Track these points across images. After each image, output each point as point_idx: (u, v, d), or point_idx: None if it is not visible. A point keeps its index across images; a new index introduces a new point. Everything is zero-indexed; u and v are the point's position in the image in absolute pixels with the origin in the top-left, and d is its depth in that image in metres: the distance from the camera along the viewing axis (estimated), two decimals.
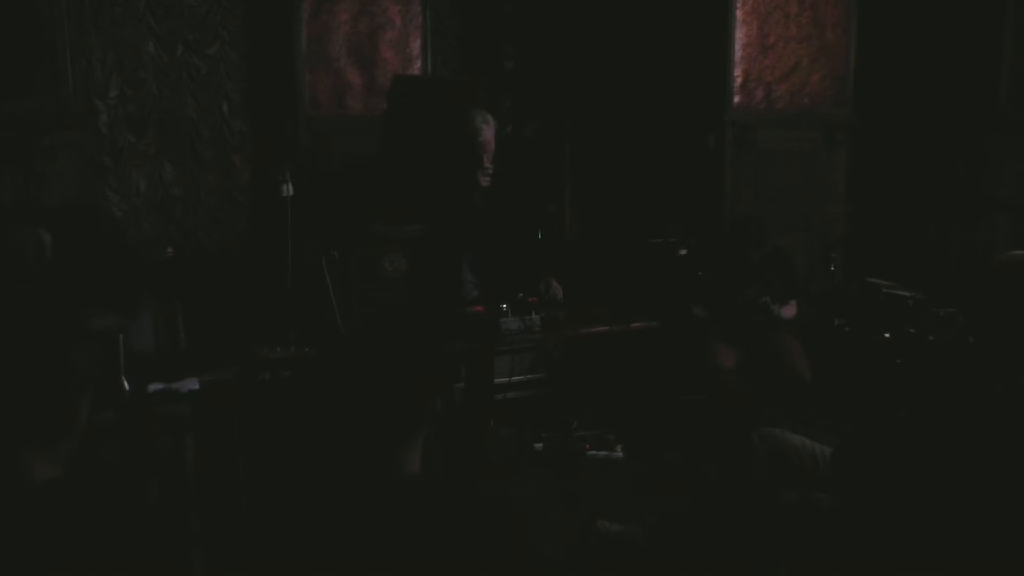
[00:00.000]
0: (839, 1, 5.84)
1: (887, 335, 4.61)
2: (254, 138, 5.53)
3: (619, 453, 4.47)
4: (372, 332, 1.82)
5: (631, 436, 4.56)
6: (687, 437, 4.51)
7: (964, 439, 2.32)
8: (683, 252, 5.19)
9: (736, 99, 5.73)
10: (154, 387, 3.40)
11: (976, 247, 5.56)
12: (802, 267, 5.46)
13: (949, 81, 5.71)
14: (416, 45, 5.57)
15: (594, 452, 4.48)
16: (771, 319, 4.60)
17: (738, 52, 5.68)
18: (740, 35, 5.67)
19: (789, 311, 4.67)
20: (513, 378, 4.49)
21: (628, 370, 4.78)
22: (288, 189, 4.68)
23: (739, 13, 5.65)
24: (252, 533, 3.23)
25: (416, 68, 5.58)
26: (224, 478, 3.40)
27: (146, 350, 4.32)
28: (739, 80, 5.72)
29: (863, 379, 4.71)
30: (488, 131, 4.10)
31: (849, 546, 2.50)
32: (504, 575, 1.64)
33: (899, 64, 5.94)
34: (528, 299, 4.31)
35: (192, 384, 3.47)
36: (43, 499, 1.59)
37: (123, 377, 3.13)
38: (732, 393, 4.54)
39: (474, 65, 5.99)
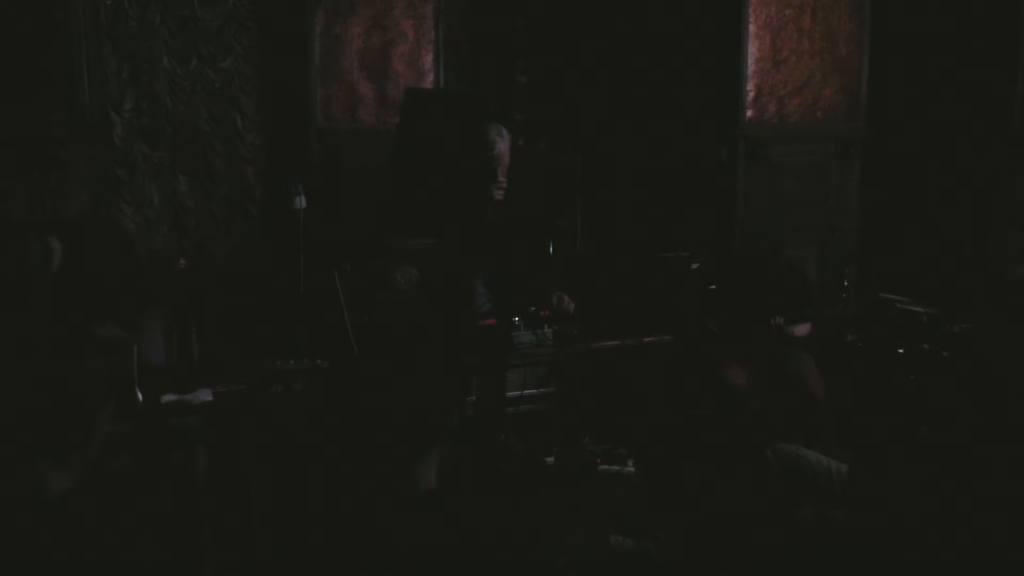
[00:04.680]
0: (852, 15, 5.84)
1: (901, 351, 4.58)
2: (267, 150, 5.56)
3: (631, 468, 4.45)
4: (385, 346, 1.82)
5: (643, 451, 4.53)
6: (700, 453, 4.48)
7: (979, 456, 2.30)
8: (695, 266, 5.18)
9: (749, 113, 5.73)
10: (167, 398, 3.40)
11: (990, 262, 5.53)
12: (815, 281, 5.44)
13: (962, 95, 5.70)
14: (428, 59, 5.59)
15: (605, 467, 4.46)
16: (784, 339, 4.58)
17: (751, 66, 5.68)
18: (753, 49, 5.68)
19: (802, 330, 4.64)
20: (525, 392, 4.48)
21: (640, 384, 4.76)
22: (301, 201, 4.69)
23: (752, 27, 5.66)
24: (264, 545, 3.22)
25: (428, 82, 5.60)
26: (236, 490, 3.39)
27: (159, 362, 4.32)
28: (752, 94, 5.72)
29: (877, 395, 4.68)
30: (503, 145, 4.11)
31: (864, 563, 2.49)
32: None
33: (912, 78, 5.93)
34: (540, 312, 4.31)
35: (205, 395, 3.47)
36: (58, 510, 1.58)
37: (136, 388, 3.14)
38: (745, 409, 4.52)
39: (486, 79, 6.01)
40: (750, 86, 5.70)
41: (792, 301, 4.68)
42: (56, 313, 3.24)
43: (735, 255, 5.23)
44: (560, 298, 4.20)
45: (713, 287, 4.94)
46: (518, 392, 4.41)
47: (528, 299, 4.32)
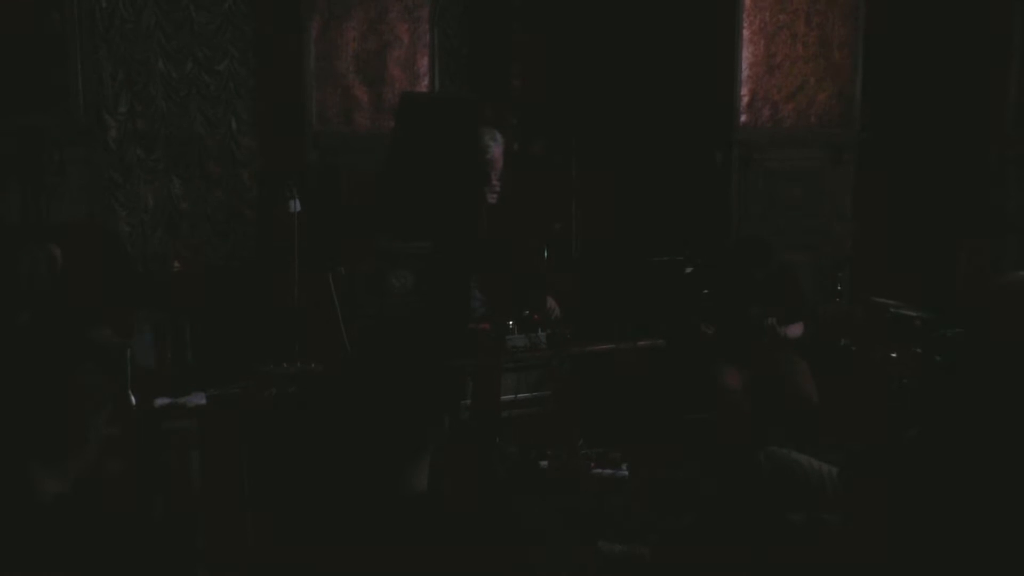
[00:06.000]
0: (846, 21, 5.86)
1: (894, 355, 4.59)
2: (262, 154, 5.57)
3: (624, 471, 4.45)
4: (378, 348, 1.83)
5: (636, 454, 4.54)
6: (693, 456, 4.49)
7: (972, 459, 2.30)
8: (689, 270, 5.19)
9: (743, 118, 5.75)
10: (161, 402, 3.40)
11: (983, 267, 5.54)
12: (809, 286, 5.45)
13: (956, 100, 5.72)
14: (424, 63, 5.61)
15: (599, 470, 4.46)
16: (776, 339, 4.59)
17: (745, 71, 5.70)
18: (747, 54, 5.70)
19: (795, 331, 4.66)
20: (518, 395, 4.49)
21: (633, 388, 4.77)
22: (295, 205, 4.70)
23: (746, 32, 5.68)
24: (257, 549, 3.22)
25: (423, 86, 5.61)
26: (229, 493, 3.39)
27: (153, 365, 4.33)
28: (746, 99, 5.74)
29: (869, 399, 4.69)
30: (496, 148, 4.14)
31: (856, 567, 2.49)
32: None
33: (906, 83, 5.95)
34: (533, 316, 4.32)
35: (199, 399, 3.47)
36: (50, 514, 1.59)
37: (130, 392, 3.14)
38: (738, 413, 4.52)
39: (481, 83, 6.02)
40: (744, 91, 5.72)
41: (785, 304, 4.69)
42: (52, 317, 3.25)
43: (728, 258, 5.24)
44: (543, 301, 4.23)
45: (707, 291, 4.95)
46: (512, 395, 4.42)
47: (522, 303, 4.33)
